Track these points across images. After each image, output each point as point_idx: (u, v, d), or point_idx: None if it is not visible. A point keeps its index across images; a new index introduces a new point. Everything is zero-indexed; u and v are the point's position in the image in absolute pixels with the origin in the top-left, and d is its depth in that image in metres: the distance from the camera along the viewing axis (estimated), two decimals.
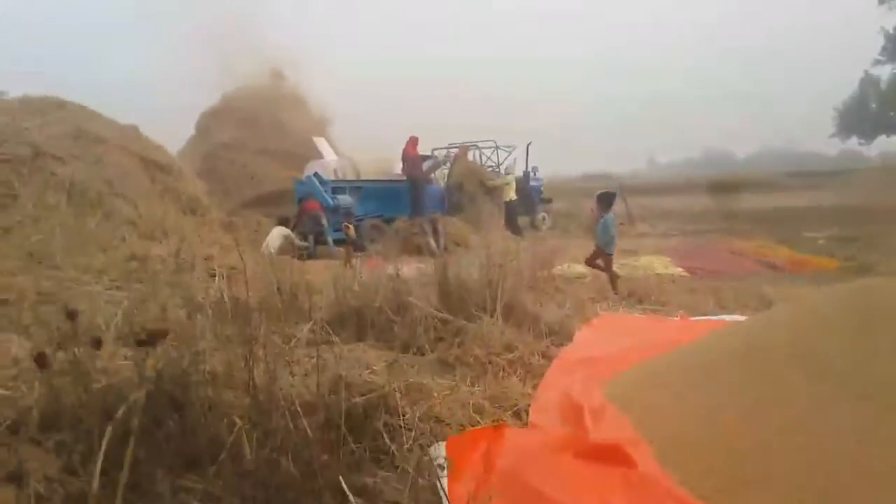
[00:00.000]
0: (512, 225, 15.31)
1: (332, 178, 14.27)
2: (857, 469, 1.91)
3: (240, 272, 4.17)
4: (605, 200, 7.49)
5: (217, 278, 5.16)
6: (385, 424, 2.39)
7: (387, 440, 2.30)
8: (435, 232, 12.52)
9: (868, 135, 49.69)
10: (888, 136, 48.12)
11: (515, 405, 2.99)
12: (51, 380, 1.97)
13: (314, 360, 2.54)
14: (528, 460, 2.28)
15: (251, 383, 2.04)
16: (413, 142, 14.89)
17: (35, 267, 5.71)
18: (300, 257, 10.15)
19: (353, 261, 9.08)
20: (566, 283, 6.98)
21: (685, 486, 2.05)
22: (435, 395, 2.74)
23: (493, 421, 2.75)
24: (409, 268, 5.93)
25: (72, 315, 1.46)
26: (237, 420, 1.92)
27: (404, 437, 2.39)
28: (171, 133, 18.32)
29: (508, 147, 17.51)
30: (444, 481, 1.96)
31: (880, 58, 44.57)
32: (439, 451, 2.21)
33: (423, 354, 3.75)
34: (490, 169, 16.84)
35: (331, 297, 4.67)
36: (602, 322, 4.85)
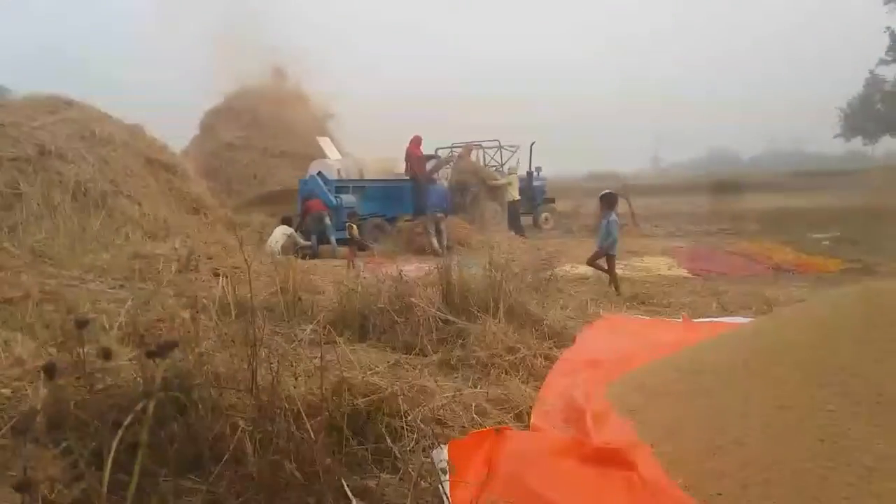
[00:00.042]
0: (515, 225, 15.31)
1: (336, 177, 14.28)
2: (863, 474, 1.90)
3: (243, 272, 4.18)
4: (608, 201, 7.48)
5: (220, 278, 5.18)
6: (387, 426, 2.39)
7: (389, 442, 2.31)
8: (438, 232, 12.51)
9: (873, 135, 49.51)
10: (893, 137, 47.96)
11: (518, 407, 2.99)
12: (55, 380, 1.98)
13: (317, 361, 2.54)
14: (530, 464, 2.28)
15: (254, 385, 2.05)
16: (416, 141, 14.89)
17: (39, 265, 5.74)
18: (303, 257, 10.21)
19: (356, 261, 9.10)
20: (569, 284, 6.98)
21: (688, 490, 2.05)
22: (437, 397, 2.74)
23: (495, 423, 2.75)
24: (412, 267, 5.95)
25: (81, 324, 1.46)
26: (240, 422, 1.92)
27: (406, 440, 2.39)
28: (176, 132, 18.39)
29: (512, 147, 17.48)
30: (447, 485, 1.96)
31: (886, 58, 44.42)
32: (442, 454, 2.21)
33: (425, 356, 3.76)
34: (493, 168, 16.82)
35: (333, 298, 4.68)
36: (604, 324, 4.84)
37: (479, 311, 4.13)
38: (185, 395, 1.94)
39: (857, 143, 52.22)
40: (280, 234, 11.41)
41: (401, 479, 2.12)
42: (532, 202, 17.50)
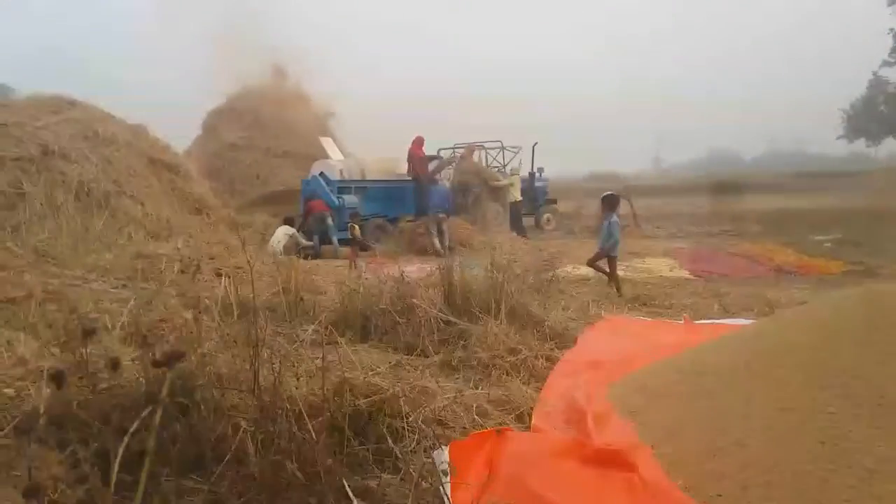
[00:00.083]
0: (517, 225, 15.31)
1: (338, 177, 14.30)
2: (864, 477, 1.90)
3: (245, 272, 4.19)
4: (610, 203, 7.47)
5: (223, 278, 5.19)
6: (389, 427, 2.40)
7: (390, 443, 2.31)
8: (440, 232, 12.52)
9: (876, 137, 49.46)
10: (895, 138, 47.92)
11: (519, 408, 3.00)
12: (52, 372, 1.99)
13: (318, 362, 2.55)
14: (531, 465, 2.28)
15: (256, 385, 2.05)
16: (419, 142, 14.91)
17: (42, 265, 5.75)
18: (305, 257, 10.23)
19: (358, 261, 9.11)
20: (570, 285, 6.98)
21: (689, 492, 2.05)
22: (438, 398, 2.75)
23: (496, 424, 2.76)
24: (414, 268, 5.96)
25: (88, 332, 1.46)
26: (242, 423, 1.93)
27: (408, 440, 2.40)
28: (178, 132, 18.42)
29: (514, 148, 17.49)
30: (448, 487, 1.97)
31: (889, 60, 44.38)
32: (443, 456, 2.21)
33: (426, 356, 3.77)
34: (495, 169, 16.82)
35: (335, 299, 4.69)
36: (606, 325, 4.84)
37: (480, 313, 4.14)
38: (187, 396, 1.95)
39: (859, 144, 52.22)
40: (282, 234, 11.43)
41: (402, 479, 2.13)
42: (534, 203, 17.50)
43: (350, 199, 13.50)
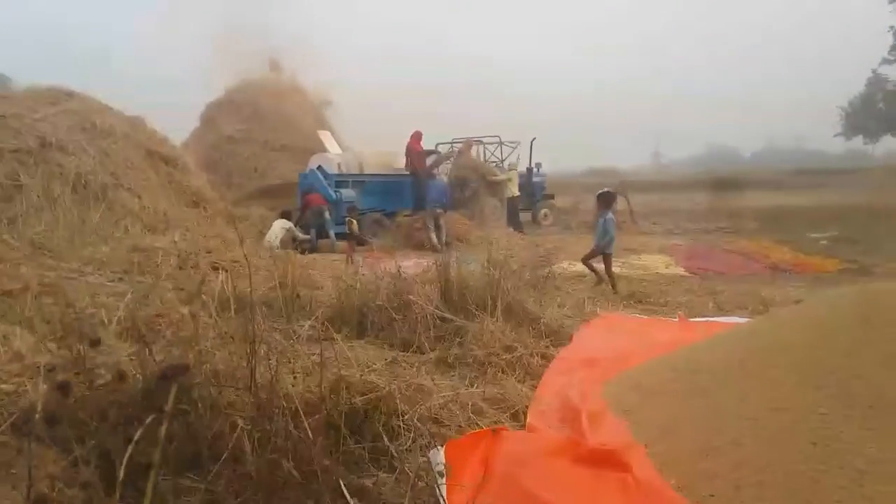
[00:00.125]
0: (514, 221, 15.33)
1: (336, 171, 14.29)
2: (855, 477, 1.92)
3: (242, 266, 4.19)
4: (605, 200, 7.48)
5: (220, 272, 5.19)
6: (385, 425, 2.41)
7: (386, 441, 2.32)
8: (437, 227, 12.53)
9: (874, 134, 49.51)
10: (894, 136, 47.96)
11: (514, 406, 3.01)
12: (54, 376, 2.00)
13: (315, 358, 2.56)
14: (525, 465, 2.30)
15: (253, 383, 2.06)
16: (417, 136, 14.90)
17: (39, 258, 5.75)
18: (302, 251, 10.23)
19: (355, 255, 9.12)
20: (567, 281, 7.00)
21: (681, 491, 2.07)
22: (434, 396, 2.76)
23: (492, 423, 2.78)
24: (411, 263, 5.96)
25: (94, 343, 1.47)
26: (239, 421, 1.94)
27: (404, 438, 2.41)
28: (176, 124, 18.38)
29: (512, 143, 17.50)
30: (444, 488, 1.98)
31: (889, 57, 44.39)
32: (438, 457, 2.23)
33: (422, 353, 3.78)
34: (493, 164, 16.82)
35: (332, 294, 4.70)
36: (601, 322, 4.86)
37: (476, 309, 4.15)
38: (184, 394, 1.95)
39: (857, 141, 52.28)
40: (279, 227, 11.43)
41: (397, 478, 2.14)
42: (531, 198, 17.52)
43: (347, 193, 13.49)
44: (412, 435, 2.42)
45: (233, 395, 2.17)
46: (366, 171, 15.20)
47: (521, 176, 16.63)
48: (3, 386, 2.22)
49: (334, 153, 15.82)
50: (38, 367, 2.26)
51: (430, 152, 15.86)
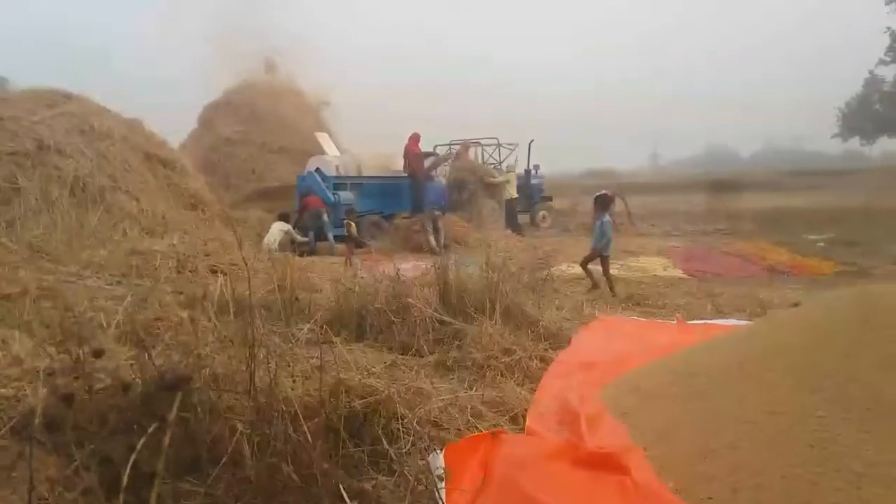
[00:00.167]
0: (512, 223, 15.35)
1: (334, 174, 14.28)
2: (852, 480, 1.93)
3: (241, 269, 4.20)
4: (603, 203, 7.49)
5: (219, 275, 5.19)
6: (384, 429, 2.42)
7: (386, 445, 2.33)
8: (436, 229, 12.52)
9: (871, 135, 49.60)
10: (891, 137, 48.07)
11: (513, 410, 3.02)
12: (54, 380, 2.00)
13: (314, 362, 2.56)
14: (524, 468, 2.30)
15: (252, 387, 2.06)
16: (415, 138, 14.89)
17: (37, 261, 5.74)
18: (301, 254, 10.22)
19: (354, 258, 9.12)
20: (565, 284, 7.01)
21: (679, 494, 2.08)
22: (433, 399, 2.77)
23: (491, 426, 2.78)
24: (409, 265, 5.97)
25: (98, 353, 1.48)
26: (238, 424, 1.94)
27: (403, 442, 2.41)
28: (174, 126, 18.37)
29: (511, 145, 17.51)
30: (443, 492, 1.99)
31: (885, 58, 44.50)
32: (437, 460, 2.23)
33: (421, 356, 3.78)
34: (491, 166, 16.83)
35: (331, 297, 4.70)
36: (600, 325, 4.86)
37: (475, 312, 4.15)
38: (184, 398, 1.95)
39: (854, 142, 52.36)
40: (277, 230, 11.42)
41: (396, 482, 2.15)
42: (530, 200, 17.51)
43: (346, 196, 13.48)
44: (411, 438, 2.42)
45: (232, 399, 2.17)
46: (364, 174, 15.20)
47: (519, 178, 16.63)
48: (3, 390, 2.22)
49: (332, 155, 15.80)
50: (38, 372, 2.26)
51: (428, 154, 15.85)
